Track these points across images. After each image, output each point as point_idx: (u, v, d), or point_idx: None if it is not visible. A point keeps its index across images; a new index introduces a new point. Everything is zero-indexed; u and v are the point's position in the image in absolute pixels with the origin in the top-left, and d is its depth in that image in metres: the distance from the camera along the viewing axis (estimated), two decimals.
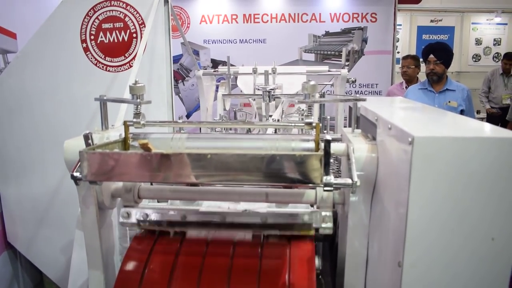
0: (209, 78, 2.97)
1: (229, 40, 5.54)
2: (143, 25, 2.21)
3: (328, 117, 2.30)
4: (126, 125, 1.11)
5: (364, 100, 1.13)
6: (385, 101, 1.62)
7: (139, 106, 1.14)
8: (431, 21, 7.24)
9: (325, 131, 2.18)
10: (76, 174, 0.94)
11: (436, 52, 3.48)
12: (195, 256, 1.03)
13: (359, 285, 1.04)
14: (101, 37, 2.24)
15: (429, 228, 0.75)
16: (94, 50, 2.25)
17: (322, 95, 2.22)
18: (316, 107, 2.36)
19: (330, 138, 0.88)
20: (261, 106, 2.36)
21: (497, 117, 5.73)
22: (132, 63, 2.21)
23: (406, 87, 4.30)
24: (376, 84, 5.53)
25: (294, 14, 5.49)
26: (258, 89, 2.29)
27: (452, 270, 0.76)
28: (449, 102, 3.44)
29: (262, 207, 1.14)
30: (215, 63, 5.46)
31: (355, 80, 2.93)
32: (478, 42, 7.38)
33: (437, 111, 1.24)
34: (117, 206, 1.19)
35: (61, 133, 1.64)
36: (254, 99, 2.71)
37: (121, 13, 2.22)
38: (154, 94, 2.20)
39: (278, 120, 2.30)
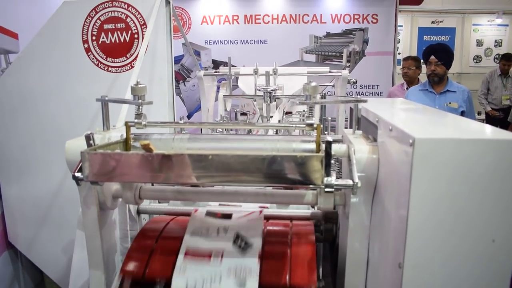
0: (210, 78, 2.97)
1: (230, 41, 5.54)
2: (144, 26, 2.21)
3: (329, 118, 2.30)
4: (127, 125, 1.11)
5: (365, 101, 1.13)
6: (386, 102, 1.62)
7: (140, 107, 1.14)
8: (432, 22, 7.24)
9: (326, 132, 2.18)
10: (78, 174, 0.94)
11: (437, 53, 3.48)
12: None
13: (359, 286, 1.04)
14: (103, 38, 2.24)
15: (429, 229, 0.75)
16: (95, 50, 2.25)
17: (323, 96, 2.23)
18: (317, 108, 2.37)
19: (331, 139, 0.88)
20: (262, 107, 2.36)
21: (497, 119, 5.72)
22: (133, 64, 2.21)
23: (407, 88, 4.30)
24: (377, 85, 5.53)
25: (295, 15, 5.50)
26: (259, 90, 2.29)
27: (453, 272, 0.76)
28: (450, 103, 3.44)
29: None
30: (216, 64, 5.46)
31: (356, 81, 2.94)
32: (479, 43, 7.38)
33: (438, 112, 1.24)
34: (118, 206, 1.19)
35: (62, 134, 1.64)
36: (255, 100, 2.72)
37: (123, 14, 2.22)
38: (156, 94, 2.20)
39: (279, 121, 2.30)
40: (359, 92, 5.45)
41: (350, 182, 0.88)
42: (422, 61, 4.08)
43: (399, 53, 6.46)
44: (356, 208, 1.00)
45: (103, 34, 2.24)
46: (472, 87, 5.07)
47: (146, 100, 1.16)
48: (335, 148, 1.02)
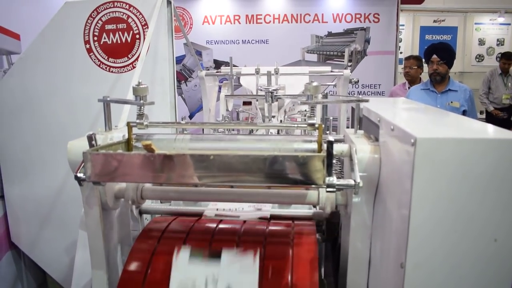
0: (211, 78, 2.97)
1: (232, 41, 5.54)
2: (146, 26, 2.21)
3: (331, 118, 2.30)
4: (129, 126, 1.12)
5: (366, 101, 1.12)
6: (387, 102, 1.62)
7: (142, 107, 1.14)
8: (434, 21, 7.23)
9: (327, 132, 2.18)
10: (80, 174, 0.94)
11: (439, 52, 3.48)
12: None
13: (361, 286, 1.04)
14: (104, 38, 2.25)
15: (431, 229, 0.75)
16: (97, 51, 2.26)
17: (325, 96, 2.23)
18: (318, 108, 2.36)
19: (333, 139, 0.88)
20: (263, 107, 2.36)
21: (498, 118, 5.70)
22: (135, 64, 2.21)
23: (408, 88, 4.30)
24: (379, 85, 5.52)
25: (297, 14, 5.50)
26: (261, 90, 2.29)
27: (455, 271, 0.76)
28: (451, 102, 3.43)
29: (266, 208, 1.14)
30: (217, 64, 5.46)
31: (358, 81, 2.93)
32: (481, 42, 7.35)
33: (440, 112, 1.24)
34: (120, 206, 1.19)
35: (64, 134, 1.64)
36: (257, 100, 2.72)
37: (124, 14, 2.22)
38: (157, 95, 2.21)
39: (281, 121, 2.30)
40: (360, 91, 5.44)
41: (352, 182, 0.88)
42: (424, 60, 4.08)
43: (401, 53, 6.45)
44: (358, 208, 1.00)
45: (104, 35, 2.25)
46: (474, 86, 5.06)
47: (148, 101, 1.16)
48: (337, 148, 1.02)
